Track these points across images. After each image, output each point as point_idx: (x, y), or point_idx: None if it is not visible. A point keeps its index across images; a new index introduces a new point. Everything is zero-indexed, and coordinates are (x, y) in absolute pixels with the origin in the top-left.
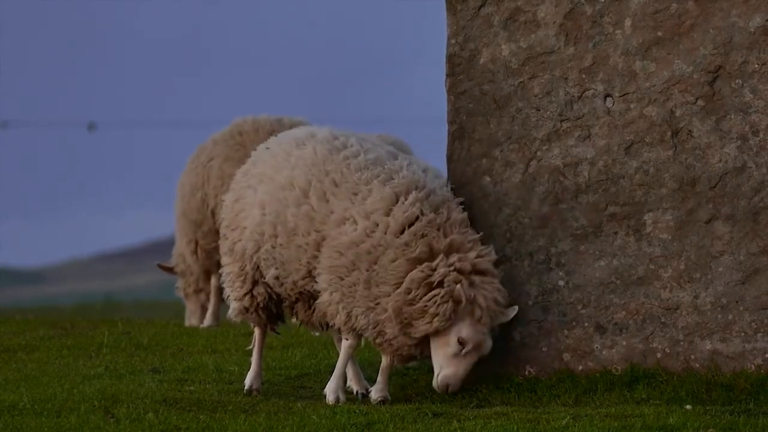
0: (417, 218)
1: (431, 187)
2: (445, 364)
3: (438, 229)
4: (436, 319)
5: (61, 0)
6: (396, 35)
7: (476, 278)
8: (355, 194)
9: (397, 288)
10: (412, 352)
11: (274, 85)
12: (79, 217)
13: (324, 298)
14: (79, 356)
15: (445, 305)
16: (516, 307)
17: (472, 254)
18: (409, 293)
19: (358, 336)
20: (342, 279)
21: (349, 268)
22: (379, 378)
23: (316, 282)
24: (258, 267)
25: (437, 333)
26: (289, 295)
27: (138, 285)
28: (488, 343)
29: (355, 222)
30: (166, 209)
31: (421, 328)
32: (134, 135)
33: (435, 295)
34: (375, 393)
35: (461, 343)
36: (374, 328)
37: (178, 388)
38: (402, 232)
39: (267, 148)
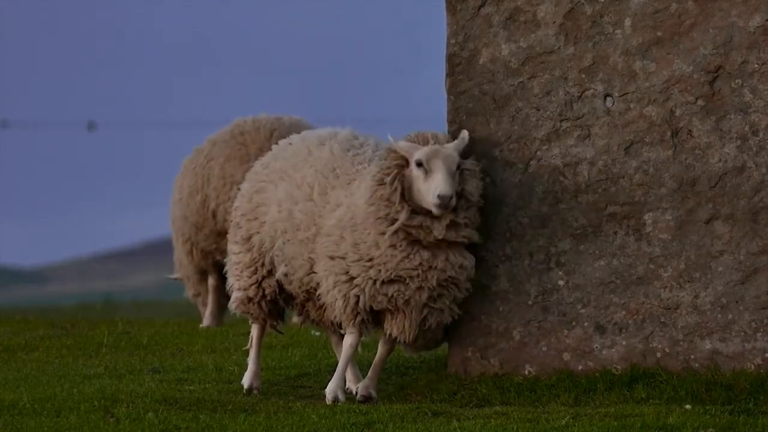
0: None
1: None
2: (426, 190)
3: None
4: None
5: (62, 0)
6: (396, 35)
7: None
8: (349, 183)
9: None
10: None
11: (274, 86)
12: (79, 218)
13: (322, 287)
14: (78, 356)
15: (393, 172)
16: (465, 133)
17: None
18: (372, 205)
19: (359, 330)
20: (332, 259)
21: (337, 243)
22: (370, 374)
23: (316, 273)
24: (272, 262)
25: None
26: (297, 293)
27: (138, 285)
28: (444, 151)
29: (342, 205)
30: (166, 209)
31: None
32: (134, 135)
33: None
34: (361, 389)
35: (418, 163)
36: (376, 282)
37: (177, 388)
38: (371, 194)
39: (290, 144)
